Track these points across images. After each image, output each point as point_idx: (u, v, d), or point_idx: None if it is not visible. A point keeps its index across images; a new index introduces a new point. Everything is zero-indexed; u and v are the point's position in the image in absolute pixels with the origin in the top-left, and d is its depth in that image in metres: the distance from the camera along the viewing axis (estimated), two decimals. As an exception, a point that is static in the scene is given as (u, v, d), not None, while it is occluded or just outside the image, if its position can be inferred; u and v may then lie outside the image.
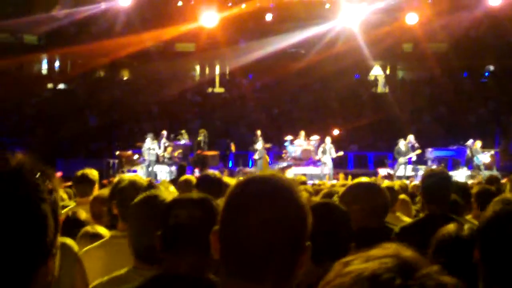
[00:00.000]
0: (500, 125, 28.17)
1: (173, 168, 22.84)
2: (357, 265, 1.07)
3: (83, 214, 4.84)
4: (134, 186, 3.77)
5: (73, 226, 4.44)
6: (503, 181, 10.49)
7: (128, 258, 2.91)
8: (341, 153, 24.05)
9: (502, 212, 2.43)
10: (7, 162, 1.36)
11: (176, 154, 23.94)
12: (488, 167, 23.81)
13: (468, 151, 24.02)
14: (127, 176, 4.77)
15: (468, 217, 5.67)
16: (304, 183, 10.32)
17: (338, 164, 24.70)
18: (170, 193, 3.58)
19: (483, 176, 20.62)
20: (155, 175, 22.67)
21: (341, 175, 22.14)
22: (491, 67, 35.77)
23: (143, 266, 2.77)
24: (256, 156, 24.67)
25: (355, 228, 3.23)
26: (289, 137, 25.20)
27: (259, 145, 24.54)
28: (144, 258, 2.81)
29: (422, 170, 20.74)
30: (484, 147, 25.12)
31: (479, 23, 32.58)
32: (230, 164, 26.61)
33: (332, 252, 2.78)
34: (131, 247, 2.90)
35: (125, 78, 37.35)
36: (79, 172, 6.20)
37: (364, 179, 4.74)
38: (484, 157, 24.18)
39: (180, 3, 34.64)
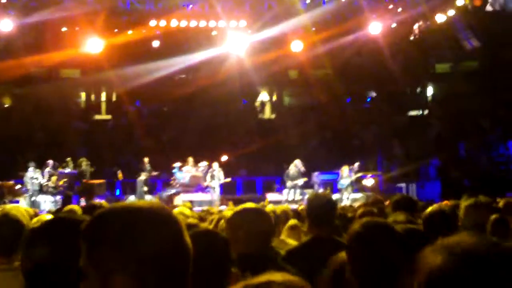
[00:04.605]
0: (382, 148, 29.19)
1: (58, 197, 22.40)
2: None
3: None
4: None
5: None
6: (386, 203, 10.78)
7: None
8: (228, 179, 24.15)
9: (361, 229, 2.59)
10: None
11: (61, 183, 23.33)
12: (372, 189, 24.57)
13: (352, 174, 24.69)
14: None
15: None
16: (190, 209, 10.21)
17: (226, 189, 24.76)
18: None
19: (339, 200, 21.45)
20: (39, 205, 21.98)
21: (230, 203, 22.14)
22: (373, 93, 37.16)
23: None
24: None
25: (241, 253, 3.20)
26: (177, 164, 24.99)
27: (146, 173, 24.30)
28: None
29: (308, 193, 21.10)
30: (367, 170, 25.96)
31: (360, 50, 33.80)
32: (118, 192, 26.19)
33: (212, 278, 2.74)
34: None
35: (6, 105, 35.91)
36: None
37: (250, 204, 4.71)
38: (368, 181, 25.05)
39: (64, 29, 33.77)
